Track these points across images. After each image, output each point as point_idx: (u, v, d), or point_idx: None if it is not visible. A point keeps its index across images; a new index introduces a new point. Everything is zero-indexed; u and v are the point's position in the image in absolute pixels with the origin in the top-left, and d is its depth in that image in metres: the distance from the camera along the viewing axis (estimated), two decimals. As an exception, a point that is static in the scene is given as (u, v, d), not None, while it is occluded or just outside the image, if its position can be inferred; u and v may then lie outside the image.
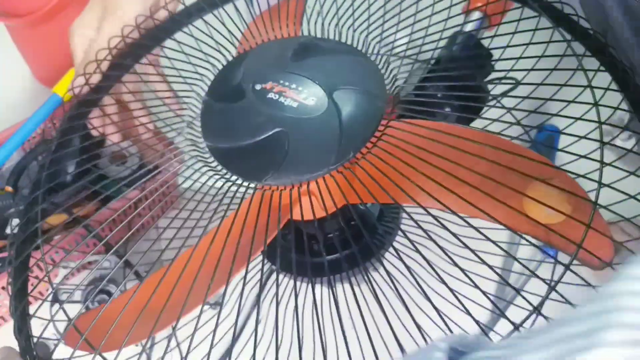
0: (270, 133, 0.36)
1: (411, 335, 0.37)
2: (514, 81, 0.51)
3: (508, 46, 0.50)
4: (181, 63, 0.45)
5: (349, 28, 0.45)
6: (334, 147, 0.35)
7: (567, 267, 0.32)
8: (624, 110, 0.42)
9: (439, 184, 0.36)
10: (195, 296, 0.37)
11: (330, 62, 0.40)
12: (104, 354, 0.35)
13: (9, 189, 0.66)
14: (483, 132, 0.41)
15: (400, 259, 0.35)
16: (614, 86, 0.42)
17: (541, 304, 0.31)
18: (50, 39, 0.72)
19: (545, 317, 0.30)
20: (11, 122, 0.66)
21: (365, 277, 0.39)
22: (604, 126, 0.40)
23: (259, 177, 0.35)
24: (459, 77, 0.55)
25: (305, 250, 0.38)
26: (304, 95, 0.37)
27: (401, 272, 0.35)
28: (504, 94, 0.52)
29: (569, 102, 0.41)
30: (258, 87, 0.39)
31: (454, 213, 0.37)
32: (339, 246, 0.46)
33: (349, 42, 0.43)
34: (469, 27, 0.59)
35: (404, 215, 0.49)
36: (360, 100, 0.37)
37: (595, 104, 0.39)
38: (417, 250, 0.35)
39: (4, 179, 0.66)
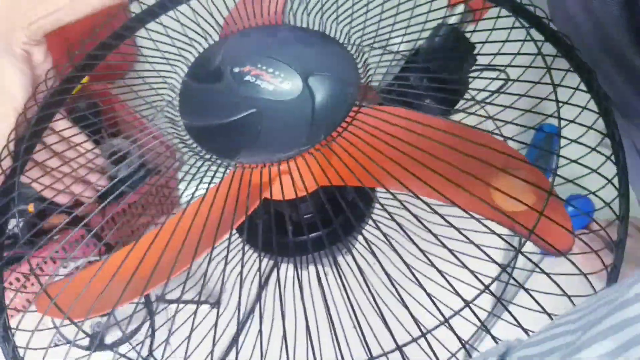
0: (245, 114, 0.38)
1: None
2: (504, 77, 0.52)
3: (487, 42, 0.52)
4: (164, 45, 0.46)
5: (333, 21, 0.46)
6: (305, 130, 0.37)
7: (518, 250, 0.33)
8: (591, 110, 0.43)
9: (406, 170, 0.38)
10: (165, 267, 0.38)
11: (308, 49, 0.41)
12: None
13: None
14: (453, 123, 0.42)
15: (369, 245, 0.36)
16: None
17: (490, 283, 0.32)
18: (50, 39, 0.72)
19: (492, 294, 0.32)
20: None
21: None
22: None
23: (232, 156, 0.37)
24: (438, 69, 0.57)
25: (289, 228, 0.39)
26: (280, 79, 0.39)
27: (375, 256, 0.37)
28: (498, 91, 0.53)
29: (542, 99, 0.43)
30: (236, 70, 0.40)
31: (418, 198, 0.38)
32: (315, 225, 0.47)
33: (328, 32, 0.44)
34: (451, 20, 0.60)
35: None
36: (334, 86, 0.38)
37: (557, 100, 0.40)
38: (385, 236, 0.36)
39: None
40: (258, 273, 0.38)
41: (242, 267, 0.35)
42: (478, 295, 0.33)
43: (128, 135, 0.67)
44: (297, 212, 0.48)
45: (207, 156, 0.38)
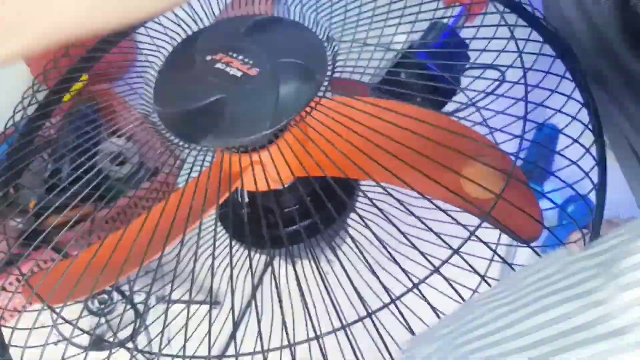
0: (212, 99, 0.39)
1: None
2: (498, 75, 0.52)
3: (474, 38, 0.52)
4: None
5: (312, 12, 0.47)
6: (269, 115, 0.37)
7: (472, 233, 0.33)
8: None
9: (368, 156, 0.38)
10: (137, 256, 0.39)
11: (279, 38, 0.42)
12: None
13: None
14: (421, 109, 0.42)
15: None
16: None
17: (441, 265, 0.32)
18: None
19: (443, 276, 0.32)
20: (11, 122, 0.67)
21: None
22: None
23: (197, 140, 0.38)
24: (428, 67, 0.57)
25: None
26: (248, 66, 0.40)
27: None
28: (492, 92, 0.53)
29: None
30: (209, 57, 0.41)
31: (378, 185, 0.38)
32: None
33: (306, 22, 0.45)
34: (444, 18, 0.60)
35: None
36: (299, 74, 0.39)
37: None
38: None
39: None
40: (249, 263, 0.39)
41: (231, 257, 0.36)
42: (427, 277, 0.33)
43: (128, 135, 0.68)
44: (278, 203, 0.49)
45: (175, 141, 0.39)
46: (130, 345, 0.57)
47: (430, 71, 0.55)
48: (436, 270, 0.34)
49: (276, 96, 0.38)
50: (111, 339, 0.60)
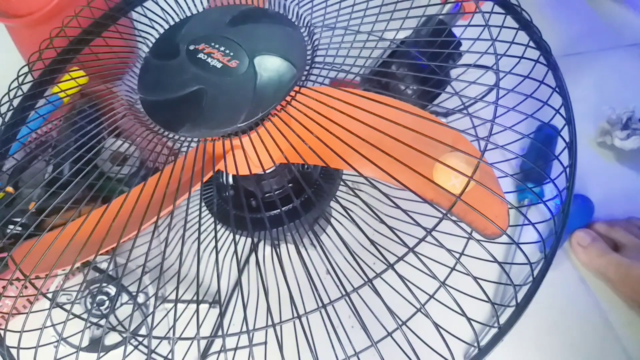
0: (192, 90, 0.40)
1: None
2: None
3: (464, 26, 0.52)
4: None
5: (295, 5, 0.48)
6: (245, 107, 0.38)
7: (442, 218, 0.35)
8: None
9: (346, 144, 0.39)
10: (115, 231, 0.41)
11: (261, 30, 0.43)
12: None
13: (10, 189, 0.67)
14: (398, 100, 0.43)
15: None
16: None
17: (415, 245, 0.34)
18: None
19: (417, 256, 0.34)
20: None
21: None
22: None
23: (176, 129, 0.39)
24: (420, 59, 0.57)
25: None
26: (229, 58, 0.41)
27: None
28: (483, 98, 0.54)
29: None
30: (192, 47, 0.42)
31: (359, 174, 0.39)
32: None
33: (289, 15, 0.46)
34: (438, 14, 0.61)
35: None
36: (278, 67, 0.40)
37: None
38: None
39: (4, 179, 0.67)
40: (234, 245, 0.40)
41: (216, 235, 0.38)
42: (402, 257, 0.35)
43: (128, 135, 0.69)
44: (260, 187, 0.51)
45: (155, 128, 0.40)
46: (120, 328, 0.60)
47: (417, 61, 0.55)
48: (411, 250, 0.35)
49: (253, 89, 0.39)
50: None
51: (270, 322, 0.37)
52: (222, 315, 0.63)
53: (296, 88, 0.40)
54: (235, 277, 0.67)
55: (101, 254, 0.41)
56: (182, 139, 0.40)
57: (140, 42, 0.49)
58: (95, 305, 0.62)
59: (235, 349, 0.56)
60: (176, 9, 0.49)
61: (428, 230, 0.35)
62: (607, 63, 0.88)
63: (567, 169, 0.42)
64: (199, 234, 0.39)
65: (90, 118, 0.58)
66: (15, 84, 0.48)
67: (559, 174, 0.42)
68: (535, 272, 0.39)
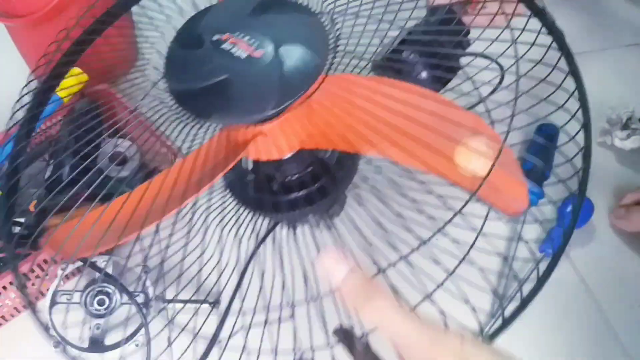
0: (218, 79, 0.41)
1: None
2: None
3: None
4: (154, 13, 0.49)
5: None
6: (272, 96, 0.39)
7: (470, 198, 0.36)
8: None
9: (370, 130, 0.41)
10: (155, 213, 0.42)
11: (284, 19, 0.44)
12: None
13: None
14: (420, 88, 0.44)
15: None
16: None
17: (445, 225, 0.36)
18: (50, 40, 0.69)
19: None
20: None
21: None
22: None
23: (206, 117, 0.40)
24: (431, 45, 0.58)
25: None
26: (254, 48, 0.42)
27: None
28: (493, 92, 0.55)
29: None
30: (215, 37, 0.43)
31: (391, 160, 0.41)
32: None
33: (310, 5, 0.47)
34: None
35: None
36: (303, 56, 0.41)
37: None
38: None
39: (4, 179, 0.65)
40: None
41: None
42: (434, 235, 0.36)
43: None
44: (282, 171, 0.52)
45: (185, 117, 0.41)
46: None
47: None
48: (440, 230, 0.36)
49: (279, 78, 0.40)
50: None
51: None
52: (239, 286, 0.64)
53: (322, 76, 0.41)
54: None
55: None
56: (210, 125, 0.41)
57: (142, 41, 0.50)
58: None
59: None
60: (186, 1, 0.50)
61: (455, 210, 0.36)
62: (607, 63, 0.89)
63: (580, 172, 0.43)
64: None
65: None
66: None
67: (571, 176, 0.43)
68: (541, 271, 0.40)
